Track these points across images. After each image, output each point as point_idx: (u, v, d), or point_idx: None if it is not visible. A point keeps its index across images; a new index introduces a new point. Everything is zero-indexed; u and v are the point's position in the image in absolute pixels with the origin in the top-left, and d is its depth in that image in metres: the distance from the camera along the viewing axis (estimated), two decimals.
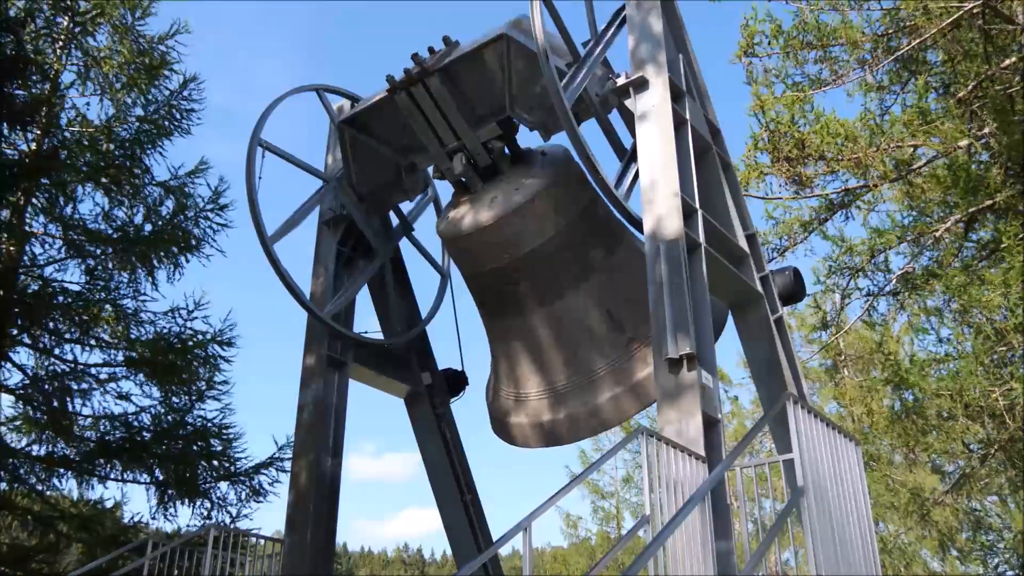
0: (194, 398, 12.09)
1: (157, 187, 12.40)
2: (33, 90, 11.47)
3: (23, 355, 11.62)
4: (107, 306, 11.83)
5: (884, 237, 12.91)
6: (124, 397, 11.75)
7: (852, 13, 13.21)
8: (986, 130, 12.21)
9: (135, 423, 11.72)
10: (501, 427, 10.11)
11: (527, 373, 9.62)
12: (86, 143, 11.89)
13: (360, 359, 10.01)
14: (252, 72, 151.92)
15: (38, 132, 11.60)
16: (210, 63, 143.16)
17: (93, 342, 11.78)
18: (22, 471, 11.18)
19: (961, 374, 11.67)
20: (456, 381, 11.07)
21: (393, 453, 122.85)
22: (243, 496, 11.90)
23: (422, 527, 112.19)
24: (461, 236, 9.13)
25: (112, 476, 11.50)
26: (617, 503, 30.84)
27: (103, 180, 11.82)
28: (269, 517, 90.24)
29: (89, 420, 11.69)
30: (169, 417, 11.93)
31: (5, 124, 11.09)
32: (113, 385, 11.76)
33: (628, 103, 7.99)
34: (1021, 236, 10.81)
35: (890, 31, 13.04)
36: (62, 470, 11.31)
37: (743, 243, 8.46)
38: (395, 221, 11.01)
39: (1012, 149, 11.39)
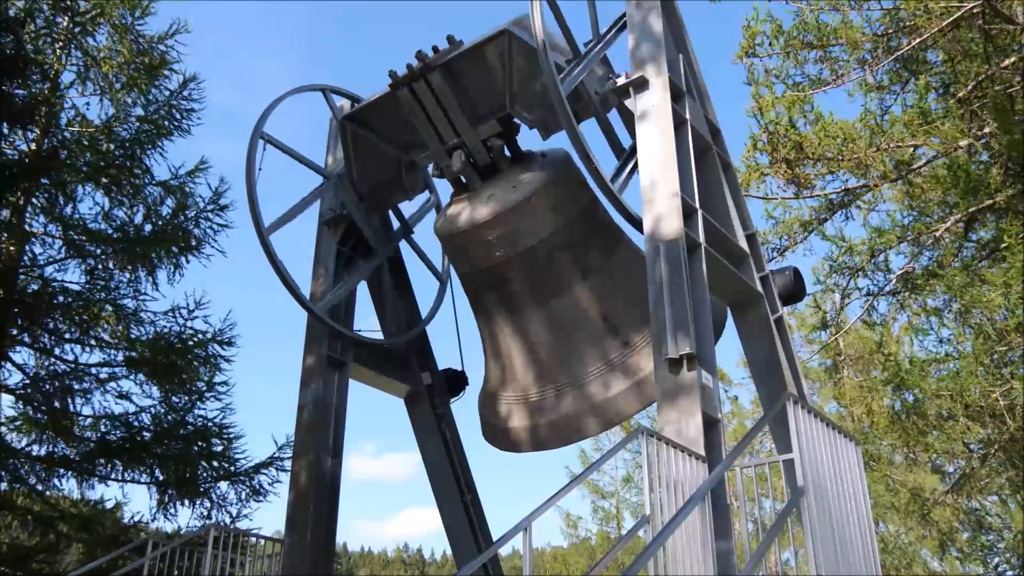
0: (194, 398, 12.10)
1: (157, 187, 12.41)
2: (33, 90, 11.48)
3: (23, 355, 11.66)
4: (107, 306, 11.84)
5: (884, 237, 12.91)
6: (124, 397, 11.77)
7: (852, 13, 13.22)
8: (986, 130, 12.21)
9: (135, 423, 11.72)
10: (490, 431, 10.04)
11: (518, 376, 9.54)
12: (86, 143, 11.90)
13: (360, 359, 10.01)
14: (252, 72, 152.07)
15: (38, 132, 11.61)
16: (210, 63, 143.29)
17: (93, 342, 11.79)
18: (22, 471, 11.19)
19: (961, 374, 11.66)
20: (456, 381, 11.06)
21: (393, 453, 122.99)
22: (243, 496, 11.92)
23: (422, 527, 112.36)
24: (457, 233, 9.11)
25: (112, 476, 11.50)
26: (617, 503, 30.85)
27: (103, 180, 11.82)
28: (269, 517, 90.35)
29: (89, 420, 11.70)
30: (169, 417, 11.94)
31: (5, 124, 11.10)
32: (113, 385, 11.78)
33: (628, 103, 7.98)
34: (1023, 236, 10.81)
35: (890, 31, 13.04)
36: (62, 470, 11.32)
37: (743, 243, 8.46)
38: (396, 224, 11.02)
39: (1012, 149, 11.39)
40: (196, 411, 12.06)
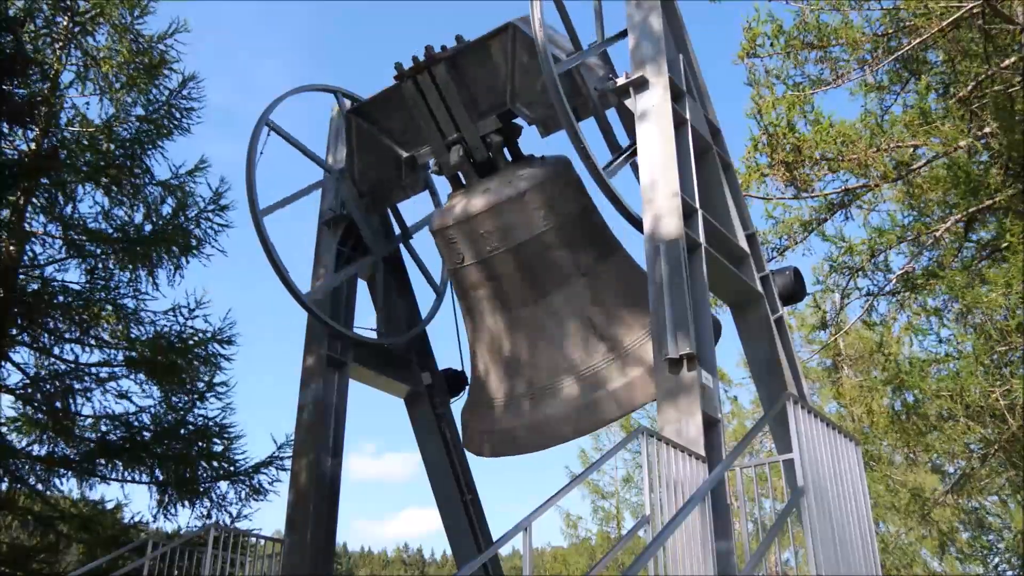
0: (194, 398, 12.10)
1: (157, 187, 12.41)
2: (33, 89, 11.48)
3: (23, 355, 11.66)
4: (107, 306, 11.84)
5: (884, 237, 12.91)
6: (124, 397, 11.77)
7: (852, 13, 13.22)
8: (986, 130, 12.21)
9: (135, 423, 11.72)
10: (466, 435, 9.89)
11: (502, 376, 9.38)
12: (86, 143, 11.90)
13: (360, 359, 10.01)
14: (252, 72, 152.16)
15: (38, 132, 11.60)
16: (210, 63, 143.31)
17: (93, 342, 11.79)
18: (22, 471, 11.18)
19: (961, 374, 11.66)
20: (456, 381, 11.05)
21: (393, 453, 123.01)
22: (243, 496, 11.92)
23: (422, 527, 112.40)
24: (450, 225, 9.09)
25: (112, 476, 11.50)
26: (617, 503, 30.85)
27: (103, 180, 11.82)
28: (269, 517, 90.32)
29: (89, 420, 11.70)
30: (169, 417, 11.94)
31: (5, 123, 11.10)
32: (113, 385, 11.78)
33: (628, 103, 7.99)
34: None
35: (890, 31, 13.05)
36: (62, 470, 11.32)
37: (743, 243, 8.46)
38: (396, 229, 11.02)
39: (1012, 149, 11.39)
40: (196, 411, 12.08)
